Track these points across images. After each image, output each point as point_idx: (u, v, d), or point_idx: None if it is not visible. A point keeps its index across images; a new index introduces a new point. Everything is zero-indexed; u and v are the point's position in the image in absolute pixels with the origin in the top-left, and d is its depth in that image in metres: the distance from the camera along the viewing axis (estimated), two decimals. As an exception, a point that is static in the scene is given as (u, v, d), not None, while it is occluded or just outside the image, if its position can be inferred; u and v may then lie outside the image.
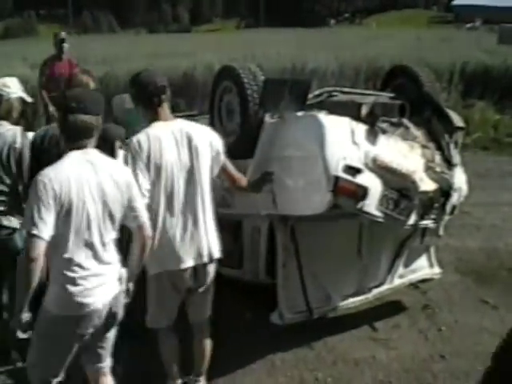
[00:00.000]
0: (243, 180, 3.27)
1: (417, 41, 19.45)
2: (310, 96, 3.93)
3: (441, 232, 3.83)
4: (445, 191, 3.54)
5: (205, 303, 3.17)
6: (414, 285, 4.41)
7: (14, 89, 3.52)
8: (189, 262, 2.96)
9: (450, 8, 61.08)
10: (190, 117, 4.65)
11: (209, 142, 3.02)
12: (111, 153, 2.99)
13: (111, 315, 2.53)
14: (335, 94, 4.16)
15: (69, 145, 2.46)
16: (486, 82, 11.47)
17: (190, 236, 2.95)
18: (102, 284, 2.45)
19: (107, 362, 2.70)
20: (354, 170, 3.18)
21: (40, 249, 2.24)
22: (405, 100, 3.85)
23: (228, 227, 3.97)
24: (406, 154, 3.48)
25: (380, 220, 3.32)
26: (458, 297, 4.43)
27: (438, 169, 3.54)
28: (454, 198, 3.62)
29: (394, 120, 3.66)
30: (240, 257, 3.94)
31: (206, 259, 3.01)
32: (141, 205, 2.59)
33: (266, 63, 10.69)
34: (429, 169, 3.51)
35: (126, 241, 2.72)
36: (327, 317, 3.92)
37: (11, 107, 3.49)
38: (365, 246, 3.86)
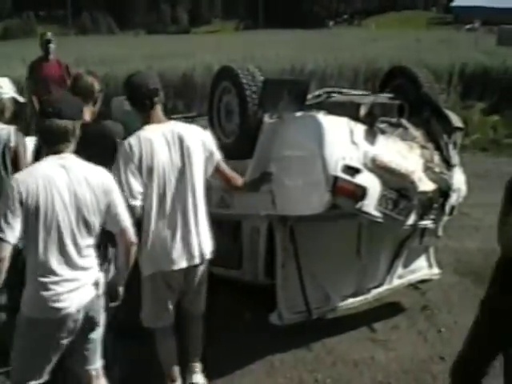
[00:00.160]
0: (238, 180, 3.27)
1: (416, 42, 19.50)
2: (309, 97, 3.93)
3: (440, 232, 3.83)
4: (444, 192, 3.53)
5: (199, 298, 3.22)
6: (414, 286, 4.41)
7: (6, 89, 3.57)
8: (181, 263, 2.98)
9: (449, 9, 61.20)
10: (188, 118, 4.66)
11: (201, 142, 3.04)
12: (113, 149, 2.97)
13: (88, 319, 2.52)
14: (334, 94, 4.16)
15: (46, 149, 2.47)
16: (485, 83, 11.49)
17: (182, 237, 2.96)
18: (76, 289, 2.44)
19: (97, 364, 2.67)
20: (352, 170, 3.18)
21: (5, 251, 2.29)
22: (404, 101, 3.85)
23: (227, 228, 3.98)
24: (404, 154, 3.48)
25: (379, 220, 3.31)
26: (457, 298, 4.42)
27: (436, 169, 3.54)
28: (453, 199, 3.62)
29: (393, 120, 3.67)
30: (239, 257, 3.94)
31: (197, 260, 3.03)
32: (122, 209, 2.55)
33: (265, 64, 10.69)
34: (428, 169, 3.51)
35: (103, 245, 2.71)
36: (326, 318, 3.92)
37: (3, 107, 3.53)
38: (364, 247, 3.86)
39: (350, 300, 3.93)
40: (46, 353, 2.47)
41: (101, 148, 2.98)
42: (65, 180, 2.38)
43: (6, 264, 2.30)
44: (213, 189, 3.72)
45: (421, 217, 3.50)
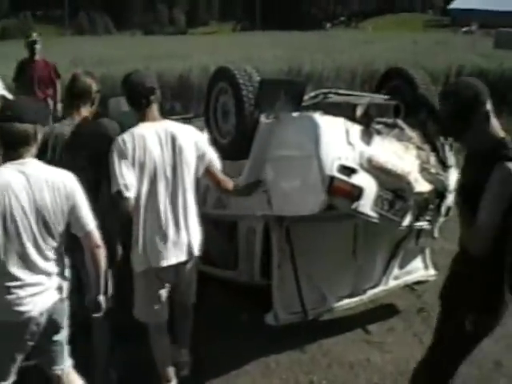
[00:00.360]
0: (229, 183, 3.28)
1: (413, 44, 19.53)
2: (306, 98, 3.93)
3: (436, 233, 3.82)
4: (440, 192, 3.53)
5: (189, 290, 3.28)
6: (410, 287, 4.41)
7: None
8: (170, 260, 3.01)
9: (446, 12, 61.32)
10: (185, 120, 4.65)
11: (194, 142, 3.07)
12: (109, 147, 2.96)
13: (52, 322, 2.52)
14: (330, 95, 4.16)
15: (6, 153, 2.44)
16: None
17: (172, 234, 2.99)
18: (39, 292, 2.44)
19: (66, 363, 2.69)
20: (348, 170, 3.18)
21: None
22: (400, 102, 3.85)
23: (223, 228, 3.97)
24: (401, 154, 3.47)
25: (375, 221, 3.31)
26: (453, 299, 4.42)
27: (432, 170, 3.54)
28: (449, 200, 3.62)
29: (389, 121, 3.66)
30: (235, 258, 3.93)
31: (186, 257, 3.06)
32: (86, 212, 2.52)
33: (262, 66, 10.68)
34: (424, 170, 3.51)
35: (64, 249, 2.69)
36: (322, 320, 3.91)
37: None
38: (360, 247, 3.85)
39: (346, 301, 3.92)
40: (11, 354, 2.49)
41: (97, 146, 3.00)
42: (24, 185, 2.36)
43: None
44: (209, 189, 3.72)
45: (417, 218, 3.50)
